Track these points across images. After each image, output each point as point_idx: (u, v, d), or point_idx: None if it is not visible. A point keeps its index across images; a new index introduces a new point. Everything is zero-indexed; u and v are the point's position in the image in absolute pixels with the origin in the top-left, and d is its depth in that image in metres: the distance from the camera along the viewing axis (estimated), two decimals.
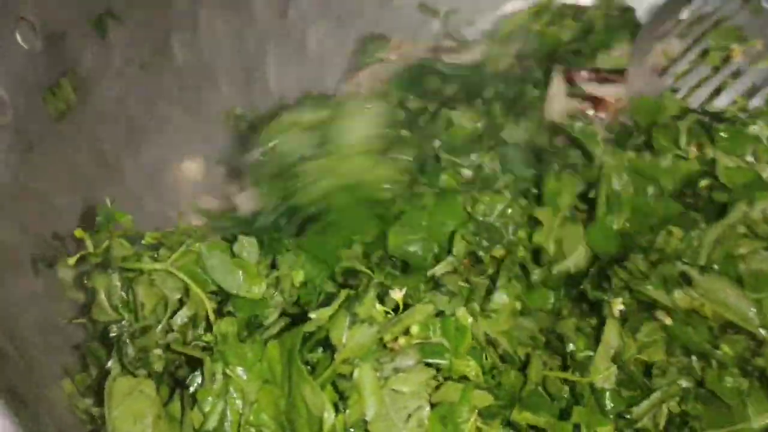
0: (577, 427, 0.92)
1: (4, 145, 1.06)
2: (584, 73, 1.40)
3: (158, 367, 0.96)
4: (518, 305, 1.02)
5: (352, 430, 0.77)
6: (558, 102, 1.37)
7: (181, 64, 1.42)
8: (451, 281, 1.02)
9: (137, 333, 0.99)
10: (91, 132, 1.24)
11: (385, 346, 0.82)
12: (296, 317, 0.94)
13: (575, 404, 0.93)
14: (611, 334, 0.92)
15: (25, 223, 1.07)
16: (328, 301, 0.87)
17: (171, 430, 0.89)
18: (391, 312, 0.86)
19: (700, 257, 0.95)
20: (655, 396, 0.88)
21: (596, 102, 1.36)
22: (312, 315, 0.85)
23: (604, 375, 0.89)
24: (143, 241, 1.06)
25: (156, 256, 1.04)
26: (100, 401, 0.93)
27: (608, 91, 1.37)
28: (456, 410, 0.80)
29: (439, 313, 0.87)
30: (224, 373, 0.84)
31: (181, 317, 1.01)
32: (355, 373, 0.79)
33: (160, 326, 1.01)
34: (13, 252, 1.04)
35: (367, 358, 0.79)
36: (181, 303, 1.02)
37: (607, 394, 0.91)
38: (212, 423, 0.84)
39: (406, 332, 0.83)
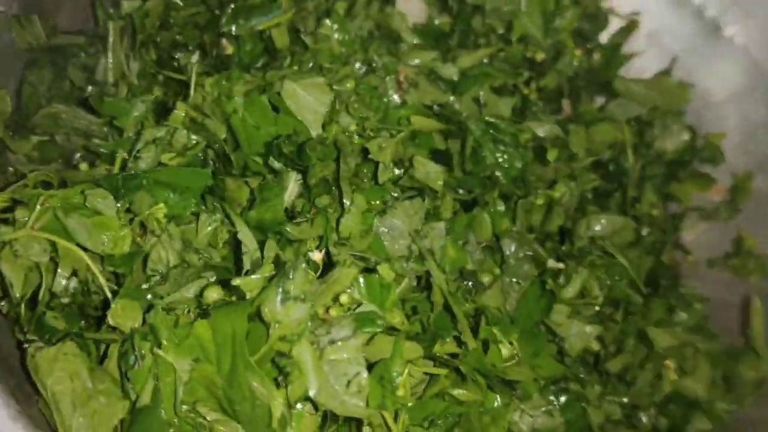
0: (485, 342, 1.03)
1: None
2: None
3: (59, 326, 0.95)
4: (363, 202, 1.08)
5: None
6: None
7: None
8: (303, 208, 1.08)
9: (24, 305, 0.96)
10: None
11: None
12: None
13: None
14: None
15: None
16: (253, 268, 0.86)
17: (111, 381, 0.89)
18: (312, 273, 0.87)
19: None
20: None
21: None
22: (236, 282, 0.85)
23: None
24: None
25: (12, 218, 0.95)
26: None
27: None
28: (389, 366, 0.86)
29: (363, 271, 0.89)
30: (152, 352, 0.84)
31: (61, 277, 0.97)
32: (294, 351, 0.81)
33: (42, 292, 0.97)
34: None
35: (304, 335, 0.81)
36: (55, 264, 0.98)
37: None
38: (145, 400, 0.85)
39: (335, 299, 0.85)
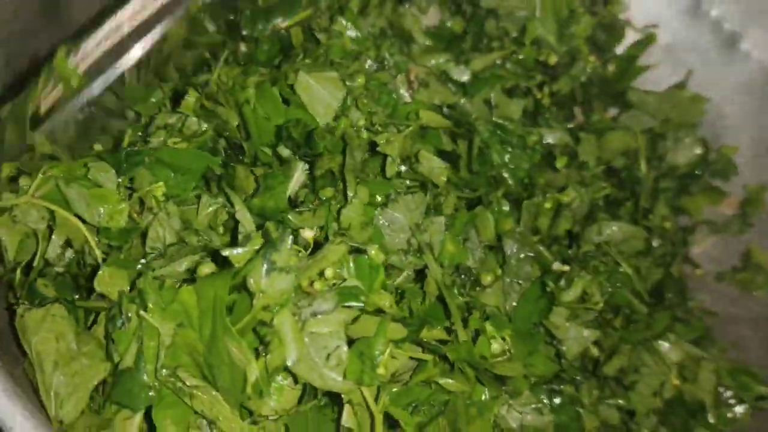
0: (476, 332, 1.02)
1: None
2: None
3: (49, 293, 0.97)
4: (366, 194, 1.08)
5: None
6: None
7: None
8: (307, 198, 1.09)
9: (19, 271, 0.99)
10: None
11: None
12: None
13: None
14: None
15: None
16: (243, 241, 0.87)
17: (96, 344, 0.91)
18: (303, 250, 0.88)
19: None
20: None
21: None
22: (225, 253, 0.86)
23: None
24: (2, 175, 1.01)
25: (16, 187, 0.99)
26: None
27: None
28: (372, 344, 0.86)
29: (352, 251, 0.90)
30: (138, 315, 0.86)
31: (56, 245, 1.00)
32: (275, 321, 0.81)
33: (36, 259, 0.99)
34: None
35: (286, 306, 0.82)
36: (51, 231, 1.01)
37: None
38: (127, 362, 0.86)
39: (321, 274, 0.86)
